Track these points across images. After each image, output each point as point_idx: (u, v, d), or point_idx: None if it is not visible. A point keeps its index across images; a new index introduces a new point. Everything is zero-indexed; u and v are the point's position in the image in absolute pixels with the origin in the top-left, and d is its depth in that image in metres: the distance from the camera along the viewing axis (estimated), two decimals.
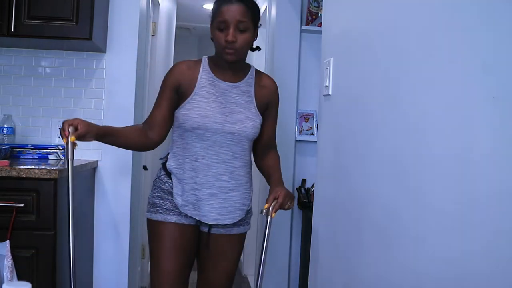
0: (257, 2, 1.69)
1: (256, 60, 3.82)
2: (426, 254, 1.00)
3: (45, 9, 2.15)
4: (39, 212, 1.88)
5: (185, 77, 1.67)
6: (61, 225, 1.95)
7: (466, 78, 0.89)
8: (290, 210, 3.03)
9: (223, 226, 1.69)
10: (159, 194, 1.70)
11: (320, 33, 1.91)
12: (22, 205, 1.85)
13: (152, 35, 3.29)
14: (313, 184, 2.73)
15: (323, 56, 1.80)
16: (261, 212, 1.56)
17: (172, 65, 4.63)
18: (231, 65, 1.67)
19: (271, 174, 1.76)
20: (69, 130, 1.40)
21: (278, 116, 1.84)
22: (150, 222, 1.70)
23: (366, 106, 1.38)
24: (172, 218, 1.66)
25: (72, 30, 2.17)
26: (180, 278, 1.66)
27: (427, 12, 1.05)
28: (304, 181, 3.02)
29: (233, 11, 1.57)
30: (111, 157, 2.49)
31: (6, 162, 1.96)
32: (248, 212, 1.77)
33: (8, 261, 1.40)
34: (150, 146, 1.71)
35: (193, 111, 1.63)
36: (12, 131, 2.39)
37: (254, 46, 1.77)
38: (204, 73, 1.68)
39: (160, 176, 1.73)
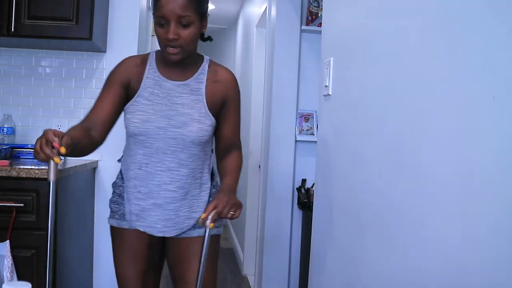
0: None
1: (256, 59, 3.83)
2: (427, 253, 1.00)
3: (45, 9, 2.16)
4: (39, 212, 1.88)
5: (133, 75, 1.52)
6: (61, 225, 1.95)
7: (466, 78, 0.89)
8: (290, 210, 3.03)
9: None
10: (115, 199, 1.60)
11: (320, 33, 1.91)
12: (22, 205, 1.85)
13: (152, 35, 3.29)
14: (313, 184, 2.73)
15: (323, 56, 1.80)
16: (197, 222, 1.39)
17: None
18: (178, 62, 1.49)
19: (222, 178, 1.55)
20: (55, 142, 1.17)
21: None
22: (110, 227, 1.62)
23: (366, 106, 1.38)
24: (126, 224, 1.56)
25: (72, 30, 2.17)
26: (143, 285, 1.57)
27: (427, 12, 1.05)
28: (304, 181, 3.02)
29: (172, 4, 1.37)
30: (111, 157, 2.48)
31: (6, 162, 1.97)
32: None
33: (8, 261, 1.40)
34: (94, 148, 1.47)
35: (135, 115, 1.48)
36: (12, 131, 2.40)
37: (206, 36, 1.59)
38: (150, 71, 1.53)
39: (116, 179, 1.63)
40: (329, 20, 1.78)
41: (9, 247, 1.40)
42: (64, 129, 2.45)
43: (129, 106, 1.51)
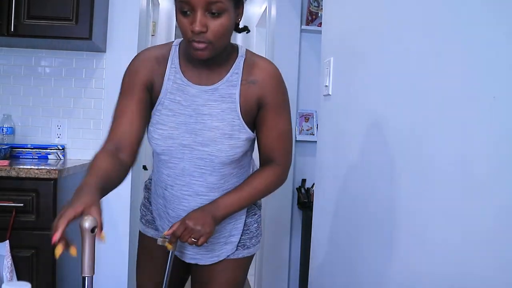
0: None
1: None
2: (427, 253, 1.00)
3: (45, 9, 2.15)
4: (38, 212, 1.88)
5: (155, 75, 1.23)
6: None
7: (466, 78, 0.89)
8: (290, 210, 3.03)
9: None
10: (144, 201, 1.44)
11: (320, 33, 1.91)
12: (22, 205, 1.85)
13: (152, 35, 3.29)
14: (313, 184, 2.73)
15: (323, 56, 1.80)
16: (157, 241, 1.22)
17: None
18: (206, 60, 1.18)
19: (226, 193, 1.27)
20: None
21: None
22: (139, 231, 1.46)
23: (366, 106, 1.38)
24: (149, 232, 1.40)
25: (72, 30, 2.17)
26: None
27: (427, 12, 1.05)
28: (304, 181, 3.02)
29: None
30: None
31: (5, 162, 1.96)
32: (246, 239, 1.36)
33: (7, 261, 1.39)
34: (126, 175, 1.20)
35: (156, 129, 1.23)
36: (11, 131, 2.39)
37: (241, 27, 1.27)
38: (172, 71, 1.23)
39: (147, 180, 1.45)
40: (329, 20, 1.78)
41: (8, 247, 1.40)
42: (63, 129, 2.46)
43: (152, 114, 1.25)
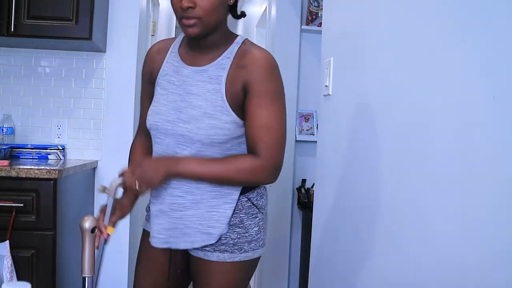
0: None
1: None
2: (427, 253, 1.00)
3: (45, 9, 2.15)
4: (38, 212, 1.88)
5: (155, 64, 1.34)
6: (60, 225, 1.95)
7: (466, 78, 0.89)
8: (290, 210, 3.03)
9: (201, 248, 1.30)
10: (150, 198, 1.40)
11: (320, 33, 1.91)
12: (22, 205, 1.85)
13: (152, 35, 3.29)
14: (313, 184, 2.73)
15: (323, 56, 1.80)
16: (100, 189, 1.22)
17: None
18: (199, 42, 1.24)
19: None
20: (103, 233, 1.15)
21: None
22: None
23: (366, 106, 1.38)
24: (148, 227, 1.38)
25: (72, 30, 2.17)
26: None
27: (427, 12, 1.05)
28: (304, 181, 3.02)
29: None
30: (111, 157, 2.48)
31: (5, 162, 1.96)
32: (243, 242, 1.31)
33: (7, 261, 1.39)
34: None
35: (151, 106, 1.32)
36: (12, 131, 2.39)
37: (239, 13, 1.29)
38: (171, 56, 1.32)
39: None
40: (329, 20, 1.78)
41: (8, 247, 1.40)
42: (63, 129, 2.46)
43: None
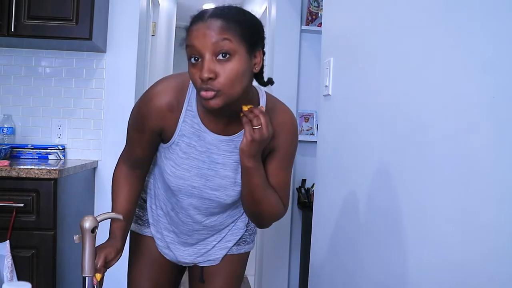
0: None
1: None
2: (428, 253, 1.00)
3: (45, 9, 2.15)
4: (39, 212, 1.88)
5: (167, 121, 1.20)
6: (61, 225, 1.95)
7: (466, 78, 0.89)
8: (290, 210, 3.03)
9: None
10: (140, 202, 1.42)
11: (320, 33, 1.91)
12: (22, 205, 1.85)
13: (152, 35, 3.29)
14: (313, 184, 2.73)
15: (323, 56, 1.80)
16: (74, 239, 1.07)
17: (171, 68, 4.63)
18: (223, 110, 1.10)
19: None
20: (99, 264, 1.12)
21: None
22: (130, 232, 1.41)
23: (366, 106, 1.38)
24: (148, 232, 1.41)
25: (72, 30, 2.17)
26: None
27: (427, 12, 1.05)
28: (304, 181, 3.02)
29: (205, 30, 1.03)
30: (111, 157, 2.48)
31: (6, 162, 1.96)
32: (247, 234, 1.44)
33: (8, 261, 1.39)
34: (144, 181, 1.36)
35: (169, 165, 1.25)
36: (12, 131, 2.39)
37: (266, 79, 1.22)
38: (189, 115, 1.20)
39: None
40: (329, 20, 1.78)
41: (9, 247, 1.40)
42: (64, 129, 2.46)
43: (165, 147, 1.26)
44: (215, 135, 1.20)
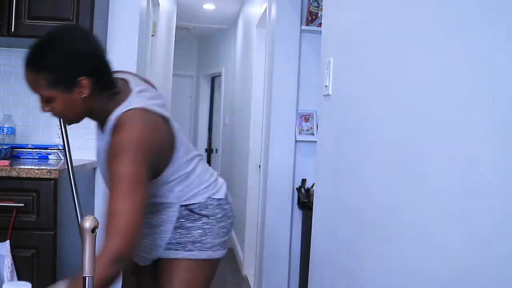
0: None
1: (256, 59, 3.83)
2: (427, 253, 1.00)
3: (45, 9, 2.16)
4: (39, 212, 1.88)
5: None
6: (61, 225, 1.95)
7: (466, 78, 0.89)
8: (290, 210, 3.03)
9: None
10: None
11: (320, 33, 1.91)
12: (22, 205, 1.85)
13: (152, 35, 3.29)
14: (313, 184, 2.73)
15: (323, 56, 1.80)
16: None
17: (171, 68, 4.63)
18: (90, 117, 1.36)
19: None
20: None
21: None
22: None
23: (366, 106, 1.38)
24: None
25: None
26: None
27: (427, 12, 1.05)
28: (304, 181, 3.02)
29: (26, 81, 1.27)
30: None
31: (6, 162, 1.96)
32: (187, 241, 1.50)
33: (8, 261, 1.40)
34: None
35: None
36: (12, 131, 2.40)
37: (105, 82, 1.32)
38: None
39: None
40: (329, 20, 1.78)
41: (9, 247, 1.40)
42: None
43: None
44: (100, 131, 1.39)
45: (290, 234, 3.06)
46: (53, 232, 1.90)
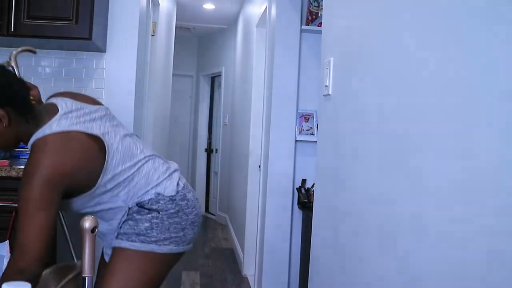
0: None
1: (256, 59, 3.83)
2: (427, 253, 1.00)
3: (45, 9, 2.16)
4: None
5: None
6: (60, 225, 1.94)
7: (466, 78, 0.89)
8: (290, 210, 3.03)
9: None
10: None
11: (320, 33, 1.91)
12: None
13: (152, 35, 3.29)
14: (313, 184, 2.73)
15: (323, 56, 1.80)
16: None
17: (171, 68, 4.61)
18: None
19: None
20: None
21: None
22: None
23: (366, 106, 1.38)
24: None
25: (72, 30, 2.17)
26: None
27: (427, 12, 1.05)
28: (304, 181, 3.02)
29: None
30: None
31: (5, 162, 1.96)
32: (131, 233, 1.54)
33: (8, 261, 1.39)
34: None
35: None
36: None
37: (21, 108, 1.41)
38: None
39: None
40: (329, 20, 1.78)
41: (8, 247, 1.40)
42: None
43: None
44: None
45: (290, 234, 3.06)
46: (52, 232, 1.89)
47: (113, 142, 1.48)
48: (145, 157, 1.55)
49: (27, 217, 1.28)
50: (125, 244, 1.51)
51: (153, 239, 1.51)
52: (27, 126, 1.40)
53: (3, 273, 1.25)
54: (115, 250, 1.54)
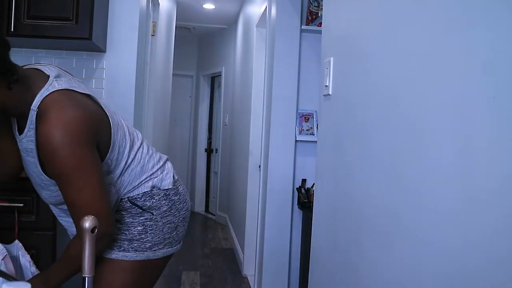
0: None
1: (256, 59, 3.83)
2: (427, 253, 1.00)
3: (45, 9, 2.16)
4: (39, 212, 1.88)
5: None
6: (60, 225, 1.94)
7: (466, 78, 0.89)
8: (290, 210, 3.03)
9: None
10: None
11: (320, 33, 1.91)
12: (22, 205, 1.85)
13: (152, 35, 3.29)
14: (313, 184, 2.73)
15: (323, 56, 1.80)
16: None
17: (171, 68, 4.62)
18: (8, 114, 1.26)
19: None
20: None
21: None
22: None
23: (366, 106, 1.38)
24: None
25: (72, 30, 2.17)
26: None
27: (427, 12, 1.05)
28: (304, 181, 3.02)
29: None
30: None
31: None
32: (124, 239, 1.38)
33: (26, 259, 1.37)
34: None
35: None
36: None
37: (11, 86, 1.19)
38: None
39: None
40: (329, 20, 1.78)
41: (20, 244, 1.39)
42: None
43: None
44: (17, 135, 1.26)
45: (290, 234, 3.06)
46: (52, 232, 1.90)
47: (112, 115, 1.34)
48: (140, 140, 1.43)
49: (82, 187, 1.15)
50: (116, 255, 1.34)
51: (147, 244, 1.37)
52: (14, 92, 1.18)
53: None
54: (105, 260, 1.35)
